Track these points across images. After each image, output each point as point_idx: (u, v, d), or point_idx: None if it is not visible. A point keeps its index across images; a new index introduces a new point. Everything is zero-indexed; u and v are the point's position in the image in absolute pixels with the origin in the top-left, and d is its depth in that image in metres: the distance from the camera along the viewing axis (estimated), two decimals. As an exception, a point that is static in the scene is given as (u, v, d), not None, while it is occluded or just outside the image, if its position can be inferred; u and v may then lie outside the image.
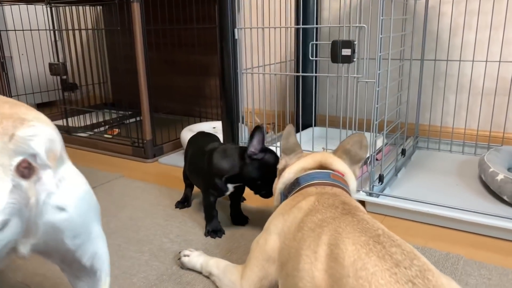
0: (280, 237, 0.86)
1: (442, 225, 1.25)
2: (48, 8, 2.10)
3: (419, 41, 1.81)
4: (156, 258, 1.11)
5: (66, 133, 2.20)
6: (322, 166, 1.00)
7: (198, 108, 2.46)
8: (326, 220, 0.78)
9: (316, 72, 1.99)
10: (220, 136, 1.54)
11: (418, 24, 1.79)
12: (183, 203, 1.41)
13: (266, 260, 0.87)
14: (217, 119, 2.25)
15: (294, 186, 0.99)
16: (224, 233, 1.22)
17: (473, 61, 1.76)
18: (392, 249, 0.68)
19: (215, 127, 2.01)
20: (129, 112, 2.34)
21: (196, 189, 1.44)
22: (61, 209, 0.58)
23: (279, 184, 1.05)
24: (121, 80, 2.33)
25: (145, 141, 1.91)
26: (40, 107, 2.96)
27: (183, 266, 1.05)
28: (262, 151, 1.15)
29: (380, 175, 1.39)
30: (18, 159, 0.53)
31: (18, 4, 2.47)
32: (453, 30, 1.79)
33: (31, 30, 2.48)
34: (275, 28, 1.62)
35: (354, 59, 1.26)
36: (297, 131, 1.82)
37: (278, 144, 1.25)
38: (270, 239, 0.88)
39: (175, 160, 1.89)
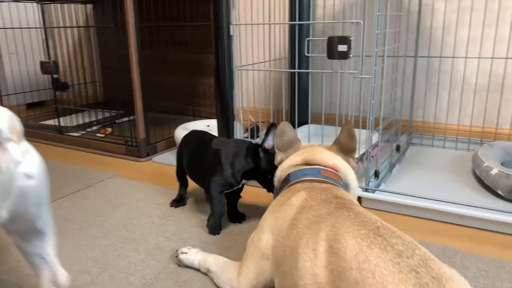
0: (273, 234, 0.86)
1: (438, 220, 1.25)
2: (39, 6, 2.07)
3: (412, 38, 1.82)
4: (153, 257, 1.10)
5: (58, 132, 2.18)
6: (312, 162, 0.98)
7: (191, 106, 2.45)
8: (322, 216, 0.78)
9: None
10: (215, 134, 1.53)
11: (411, 21, 1.79)
12: (179, 201, 1.40)
13: (260, 257, 0.87)
14: (211, 118, 2.24)
15: (285, 182, 0.98)
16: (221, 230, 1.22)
17: (466, 57, 1.77)
18: (393, 240, 0.68)
19: (209, 125, 2.01)
20: (121, 111, 2.32)
21: (191, 187, 1.43)
22: (29, 176, 0.69)
23: (275, 180, 1.05)
24: (113, 79, 2.31)
25: (138, 140, 1.89)
26: (31, 107, 2.92)
27: (180, 264, 1.04)
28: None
29: (375, 170, 1.40)
30: None
31: (8, 2, 2.44)
32: (446, 27, 1.80)
33: (21, 28, 2.45)
34: (269, 24, 1.61)
35: (350, 55, 1.26)
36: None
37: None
38: (263, 237, 0.88)
39: (169, 159, 1.88)
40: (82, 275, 1.03)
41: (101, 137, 2.10)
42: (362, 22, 1.26)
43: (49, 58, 2.16)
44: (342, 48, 1.27)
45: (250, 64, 1.58)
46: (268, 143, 1.17)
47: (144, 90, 1.87)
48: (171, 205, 1.40)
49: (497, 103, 1.78)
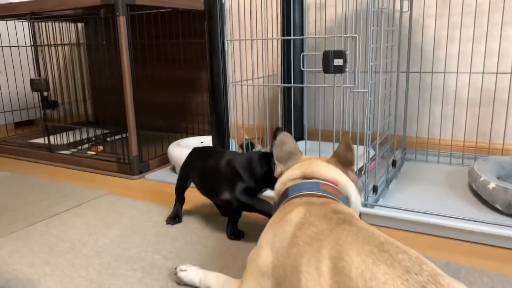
0: (272, 252, 0.83)
1: (439, 235, 1.24)
2: (30, 24, 2.05)
3: (404, 53, 1.84)
4: (149, 275, 1.06)
5: (48, 151, 2.13)
6: (311, 176, 0.96)
7: (184, 124, 2.43)
8: (323, 233, 0.75)
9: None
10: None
11: (403, 37, 1.82)
12: (174, 218, 1.37)
13: (260, 275, 0.84)
14: (204, 135, 2.23)
15: (283, 197, 0.95)
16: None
17: (457, 72, 1.80)
18: (399, 256, 0.66)
19: (202, 142, 1.98)
20: (113, 129, 2.29)
21: (186, 205, 1.40)
22: None
23: (274, 194, 1.02)
24: (104, 97, 2.29)
25: (131, 157, 1.86)
26: (19, 125, 2.88)
27: (180, 282, 1.01)
28: None
29: (374, 185, 1.39)
30: None
31: (-2, 20, 2.42)
32: (437, 42, 1.83)
33: (10, 46, 2.42)
34: (262, 40, 1.61)
35: (346, 69, 1.26)
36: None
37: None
38: (262, 254, 0.85)
39: (163, 176, 1.85)
40: (76, 296, 0.99)
41: (92, 155, 2.06)
42: (357, 37, 1.27)
43: (40, 76, 2.13)
44: (337, 62, 1.27)
45: (245, 80, 1.57)
46: None
47: (137, 108, 1.85)
48: (167, 222, 1.36)
49: (489, 117, 1.79)
